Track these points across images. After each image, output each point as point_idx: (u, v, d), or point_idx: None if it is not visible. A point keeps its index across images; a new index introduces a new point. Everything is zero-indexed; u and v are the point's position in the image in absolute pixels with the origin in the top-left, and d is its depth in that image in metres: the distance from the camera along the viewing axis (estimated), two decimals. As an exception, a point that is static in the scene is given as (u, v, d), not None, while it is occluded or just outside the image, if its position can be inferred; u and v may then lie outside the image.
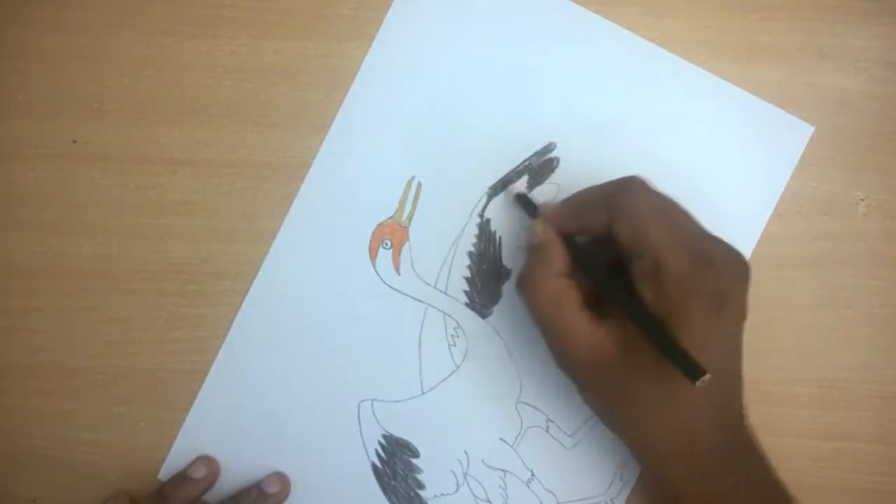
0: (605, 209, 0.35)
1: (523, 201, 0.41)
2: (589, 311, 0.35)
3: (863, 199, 0.42)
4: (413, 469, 0.41)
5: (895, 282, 0.41)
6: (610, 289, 0.35)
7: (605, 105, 0.42)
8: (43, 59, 0.42)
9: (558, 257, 0.36)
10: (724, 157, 0.42)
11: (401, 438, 0.42)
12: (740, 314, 0.34)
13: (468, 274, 0.42)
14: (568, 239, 0.37)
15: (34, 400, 0.43)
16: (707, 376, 0.30)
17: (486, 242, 0.42)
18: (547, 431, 0.41)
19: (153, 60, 0.42)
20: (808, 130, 0.41)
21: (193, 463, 0.42)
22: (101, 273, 0.42)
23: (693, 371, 0.30)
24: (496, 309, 0.42)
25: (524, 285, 0.36)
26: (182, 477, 0.41)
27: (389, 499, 0.41)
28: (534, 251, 0.37)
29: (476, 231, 0.42)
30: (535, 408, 0.41)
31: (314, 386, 0.42)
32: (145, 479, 0.42)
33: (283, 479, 0.41)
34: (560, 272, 0.36)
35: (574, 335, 0.35)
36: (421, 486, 0.41)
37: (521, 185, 0.41)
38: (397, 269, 0.42)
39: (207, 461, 0.42)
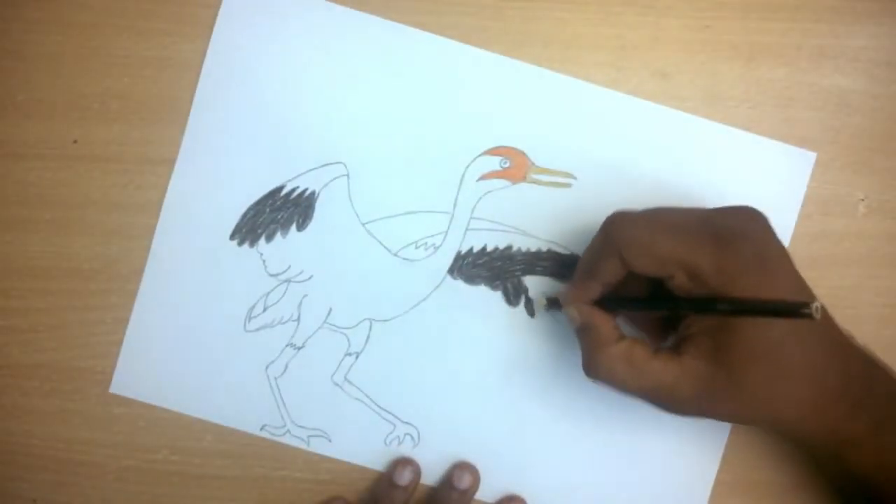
0: (610, 257, 0.35)
1: (552, 303, 0.41)
2: (663, 353, 0.35)
3: (863, 199, 0.42)
4: None
5: (895, 282, 0.41)
6: (666, 308, 0.35)
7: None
8: (43, 59, 0.42)
9: (606, 324, 0.36)
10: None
11: None
12: (784, 255, 0.34)
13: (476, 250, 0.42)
14: (601, 302, 0.37)
15: (34, 400, 0.43)
16: (817, 303, 0.27)
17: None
18: None
19: (153, 60, 0.42)
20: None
21: (397, 468, 0.41)
22: (101, 273, 0.42)
23: (801, 308, 0.27)
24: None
25: (594, 370, 0.36)
26: (390, 484, 0.41)
27: None
28: (582, 334, 0.37)
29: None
30: None
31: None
32: (145, 480, 0.42)
33: (473, 472, 0.41)
34: (616, 337, 0.35)
35: (669, 379, 0.34)
36: None
37: (541, 298, 0.41)
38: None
39: (410, 464, 0.41)
